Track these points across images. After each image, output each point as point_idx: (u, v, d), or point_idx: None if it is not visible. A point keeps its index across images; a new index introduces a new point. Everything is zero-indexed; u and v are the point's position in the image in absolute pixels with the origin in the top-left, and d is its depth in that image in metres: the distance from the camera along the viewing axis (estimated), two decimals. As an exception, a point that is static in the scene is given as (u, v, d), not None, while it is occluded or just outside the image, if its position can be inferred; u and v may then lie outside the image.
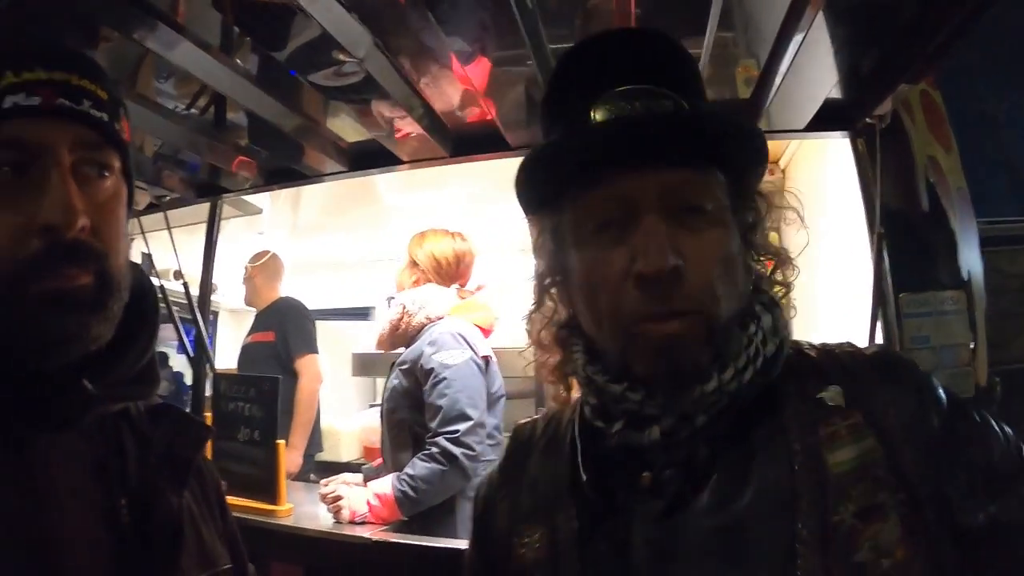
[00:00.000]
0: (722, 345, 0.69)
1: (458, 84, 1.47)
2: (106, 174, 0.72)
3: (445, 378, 2.11)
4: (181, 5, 1.22)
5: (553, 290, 0.81)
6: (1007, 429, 0.71)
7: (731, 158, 0.72)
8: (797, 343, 0.79)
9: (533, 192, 0.79)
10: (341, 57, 1.30)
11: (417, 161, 1.85)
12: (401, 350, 2.34)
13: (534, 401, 3.01)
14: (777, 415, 0.71)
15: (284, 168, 2.00)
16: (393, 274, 2.47)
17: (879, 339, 1.56)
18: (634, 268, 0.66)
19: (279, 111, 1.58)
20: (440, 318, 2.27)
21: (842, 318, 1.75)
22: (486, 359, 2.27)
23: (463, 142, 1.77)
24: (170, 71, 1.44)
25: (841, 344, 0.78)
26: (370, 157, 1.90)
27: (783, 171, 2.53)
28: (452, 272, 2.36)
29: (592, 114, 0.71)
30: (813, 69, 1.38)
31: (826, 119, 1.58)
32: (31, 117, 0.67)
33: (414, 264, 2.35)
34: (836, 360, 0.74)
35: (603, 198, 0.70)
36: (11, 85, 0.67)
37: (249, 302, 3.50)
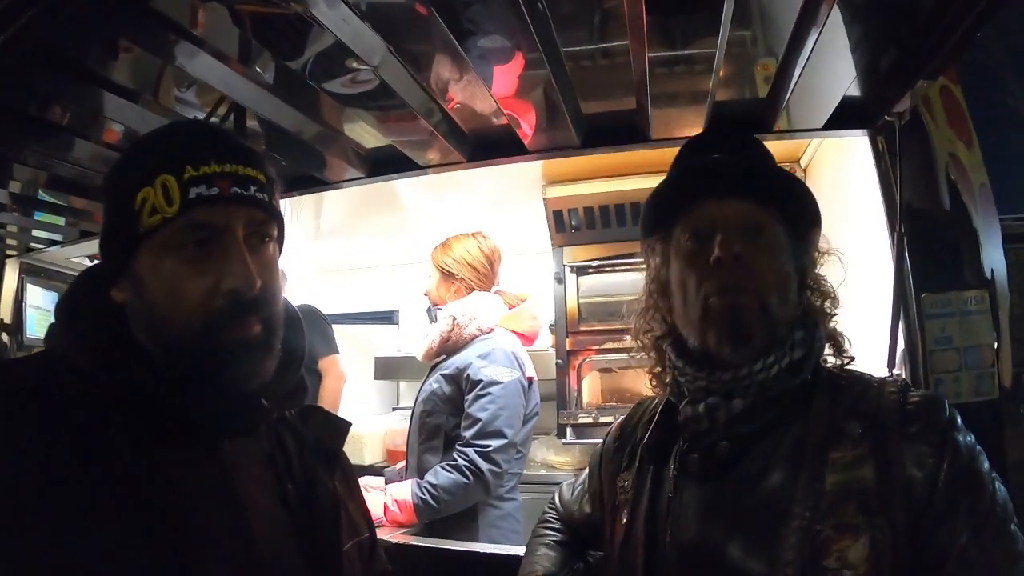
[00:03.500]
0: (771, 332, 0.97)
1: (475, 90, 1.47)
2: (267, 240, 0.92)
3: (491, 393, 2.13)
4: (200, 17, 1.24)
5: (657, 297, 1.11)
6: (1000, 490, 0.88)
7: (786, 204, 1.02)
8: (851, 372, 1.04)
9: (651, 216, 1.09)
10: (355, 65, 1.31)
11: (435, 166, 1.85)
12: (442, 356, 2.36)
13: (555, 404, 3.00)
14: (804, 430, 0.95)
15: (304, 175, 2.02)
16: (423, 289, 2.47)
17: (900, 341, 1.54)
18: (712, 258, 0.96)
19: (297, 119, 1.60)
20: (491, 329, 2.28)
21: (864, 320, 1.74)
22: (530, 380, 2.29)
23: (480, 146, 1.78)
24: (191, 80, 1.46)
25: (890, 383, 0.98)
26: (388, 163, 1.90)
27: (804, 171, 2.50)
28: (489, 274, 2.37)
29: (693, 161, 1.07)
30: (830, 67, 1.36)
31: (845, 117, 1.57)
32: (212, 203, 0.85)
33: (448, 274, 2.35)
34: (874, 400, 0.95)
35: (697, 217, 1.02)
36: (193, 178, 0.84)
37: None
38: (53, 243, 2.79)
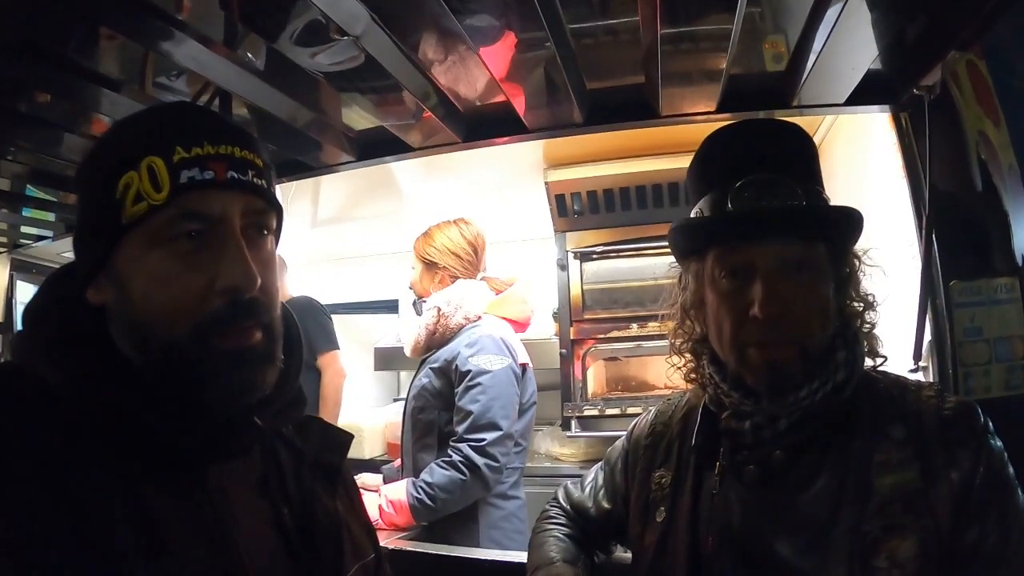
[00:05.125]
0: (813, 368, 0.95)
1: (472, 65, 1.38)
2: (266, 233, 0.82)
3: (480, 383, 2.03)
4: (184, 1, 1.16)
5: (692, 312, 1.07)
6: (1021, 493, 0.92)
7: (835, 236, 0.99)
8: (886, 374, 1.04)
9: (683, 246, 1.06)
10: (336, 36, 1.22)
11: (429, 148, 1.75)
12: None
13: (559, 393, 2.93)
14: (850, 435, 0.96)
15: (292, 160, 1.93)
16: (407, 282, 2.39)
17: (927, 332, 1.45)
18: (751, 312, 0.93)
19: (284, 102, 1.52)
20: (478, 317, 2.19)
21: (888, 311, 1.66)
22: (523, 367, 2.19)
23: (477, 126, 1.68)
24: (175, 67, 1.38)
25: (926, 387, 1.00)
26: (380, 146, 1.81)
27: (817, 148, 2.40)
28: (473, 261, 2.27)
29: (730, 197, 0.96)
30: (853, 39, 1.27)
31: (868, 92, 1.47)
32: (206, 189, 0.74)
33: (431, 264, 2.25)
34: (913, 405, 0.96)
35: (736, 256, 0.96)
36: (184, 160, 0.74)
37: None
38: (42, 238, 2.71)
